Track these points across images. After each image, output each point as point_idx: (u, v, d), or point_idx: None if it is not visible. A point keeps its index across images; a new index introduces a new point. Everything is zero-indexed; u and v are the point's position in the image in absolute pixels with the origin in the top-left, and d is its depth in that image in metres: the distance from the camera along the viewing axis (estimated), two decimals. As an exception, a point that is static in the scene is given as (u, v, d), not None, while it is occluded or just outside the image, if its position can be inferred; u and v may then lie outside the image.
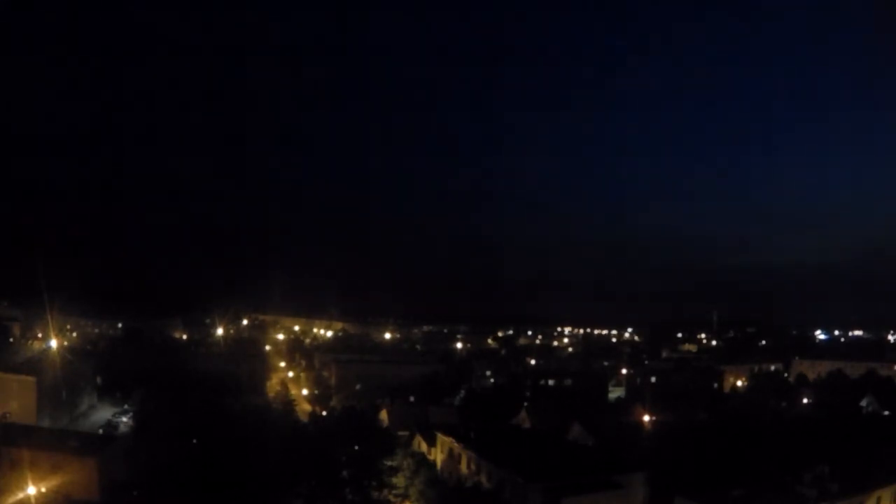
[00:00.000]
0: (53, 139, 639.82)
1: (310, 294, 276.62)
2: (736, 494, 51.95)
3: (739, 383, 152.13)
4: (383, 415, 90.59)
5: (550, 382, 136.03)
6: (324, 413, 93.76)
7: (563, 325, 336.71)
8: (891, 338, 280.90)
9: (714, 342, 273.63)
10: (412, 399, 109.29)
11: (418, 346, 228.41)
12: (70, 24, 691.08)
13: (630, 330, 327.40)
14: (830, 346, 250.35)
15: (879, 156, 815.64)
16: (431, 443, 74.15)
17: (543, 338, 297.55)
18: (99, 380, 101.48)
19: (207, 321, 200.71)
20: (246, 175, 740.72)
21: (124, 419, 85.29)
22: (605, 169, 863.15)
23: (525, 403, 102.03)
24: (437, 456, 71.91)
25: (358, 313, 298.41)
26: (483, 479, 60.35)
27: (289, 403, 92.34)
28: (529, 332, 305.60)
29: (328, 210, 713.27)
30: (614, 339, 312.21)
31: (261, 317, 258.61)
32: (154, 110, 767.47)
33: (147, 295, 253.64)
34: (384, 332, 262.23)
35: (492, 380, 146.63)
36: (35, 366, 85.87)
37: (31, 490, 51.58)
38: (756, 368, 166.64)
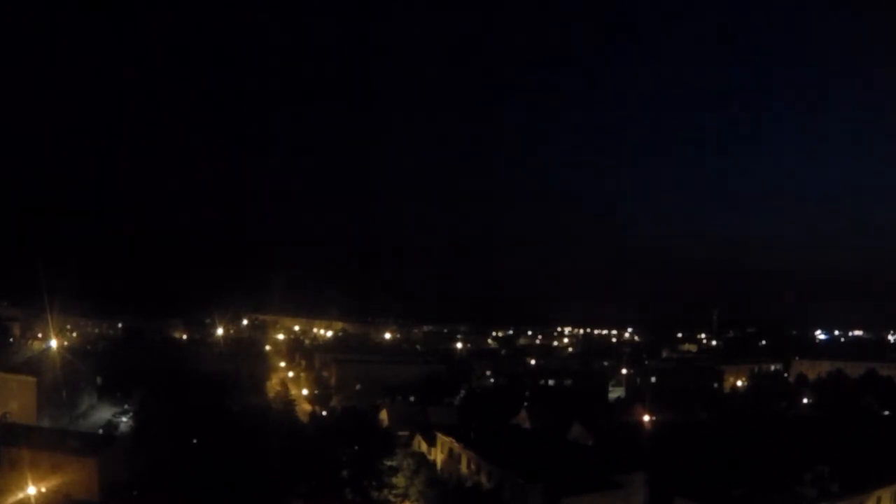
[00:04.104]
0: (54, 139, 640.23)
1: (310, 294, 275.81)
2: (736, 494, 52.05)
3: (739, 383, 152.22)
4: (383, 415, 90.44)
5: (550, 382, 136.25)
6: (324, 413, 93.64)
7: (563, 325, 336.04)
8: (891, 338, 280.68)
9: (714, 342, 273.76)
10: (412, 399, 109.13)
11: (418, 346, 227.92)
12: (69, 24, 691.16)
13: (630, 330, 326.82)
14: (830, 346, 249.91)
15: (879, 156, 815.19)
16: (431, 443, 74.14)
17: (543, 338, 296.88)
18: (99, 380, 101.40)
19: (207, 321, 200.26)
20: (246, 175, 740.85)
21: (124, 419, 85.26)
22: (605, 168, 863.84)
23: (525, 403, 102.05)
24: (437, 456, 71.92)
25: (358, 313, 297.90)
26: (483, 479, 60.35)
27: (289, 403, 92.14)
28: (529, 332, 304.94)
29: (328, 209, 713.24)
30: (614, 339, 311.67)
31: (261, 317, 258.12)
32: (154, 110, 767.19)
33: (147, 295, 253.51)
34: (384, 332, 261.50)
35: (492, 380, 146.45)
36: (35, 366, 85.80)
37: (31, 490, 51.60)
38: (756, 368, 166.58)
